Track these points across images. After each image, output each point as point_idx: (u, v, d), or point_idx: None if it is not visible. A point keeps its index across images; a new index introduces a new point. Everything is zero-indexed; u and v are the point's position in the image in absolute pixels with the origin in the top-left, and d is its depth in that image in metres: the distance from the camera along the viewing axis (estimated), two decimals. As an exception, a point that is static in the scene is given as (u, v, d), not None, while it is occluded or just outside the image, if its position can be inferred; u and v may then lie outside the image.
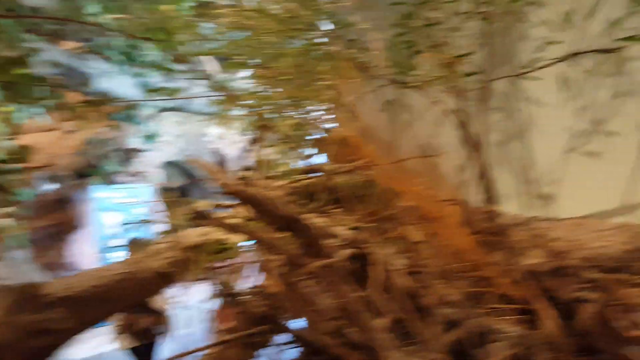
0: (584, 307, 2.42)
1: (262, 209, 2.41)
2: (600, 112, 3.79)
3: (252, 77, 4.21)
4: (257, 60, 4.01)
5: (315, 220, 3.27)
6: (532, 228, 3.78)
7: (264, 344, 2.93)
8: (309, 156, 4.64)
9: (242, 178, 3.64)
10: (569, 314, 2.54)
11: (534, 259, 3.34)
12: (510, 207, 3.98)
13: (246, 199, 2.41)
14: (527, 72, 3.76)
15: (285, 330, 2.65)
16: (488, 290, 2.97)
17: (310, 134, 4.57)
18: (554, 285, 2.86)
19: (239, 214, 3.25)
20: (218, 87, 4.43)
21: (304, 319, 2.69)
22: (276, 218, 2.41)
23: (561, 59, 3.52)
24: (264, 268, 2.67)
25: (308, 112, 4.26)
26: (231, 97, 4.50)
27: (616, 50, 3.26)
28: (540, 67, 3.65)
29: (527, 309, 2.65)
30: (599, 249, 3.48)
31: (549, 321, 2.48)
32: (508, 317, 2.70)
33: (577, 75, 3.66)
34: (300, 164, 4.63)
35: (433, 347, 2.46)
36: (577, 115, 3.93)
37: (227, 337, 3.00)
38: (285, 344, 2.80)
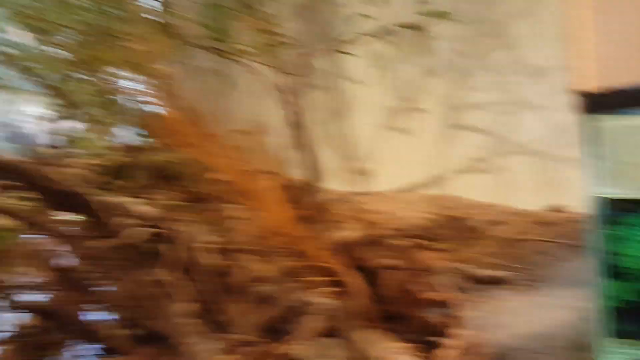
0: (386, 274, 2.46)
1: (35, 184, 2.02)
2: (411, 89, 3.99)
3: (45, 38, 3.62)
4: (50, 18, 3.45)
5: (122, 199, 2.91)
6: (351, 202, 3.85)
7: (56, 344, 2.52)
8: (122, 131, 4.19)
9: (33, 155, 3.12)
10: (377, 282, 2.57)
11: (349, 231, 3.37)
12: (333, 182, 4.00)
13: (14, 173, 1.99)
14: (343, 47, 3.78)
15: (73, 326, 2.29)
16: (304, 264, 2.91)
17: (121, 107, 4.12)
18: (366, 255, 2.90)
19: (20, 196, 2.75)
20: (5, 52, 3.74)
21: (94, 310, 2.35)
22: (54, 195, 2.04)
23: (373, 34, 3.58)
24: (40, 255, 2.27)
25: (115, 81, 3.81)
26: (22, 62, 3.84)
27: (422, 27, 3.40)
28: (353, 42, 3.69)
29: (340, 280, 2.64)
30: (408, 219, 3.67)
31: (358, 291, 2.48)
32: (322, 290, 2.66)
33: (389, 52, 3.78)
34: (112, 139, 4.15)
35: (242, 328, 2.32)
36: (391, 93, 4.10)
37: (10, 338, 2.53)
38: (78, 342, 2.43)
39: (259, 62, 3.75)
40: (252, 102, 4.17)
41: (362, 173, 4.14)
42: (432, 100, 3.84)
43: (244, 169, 3.38)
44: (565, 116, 2.11)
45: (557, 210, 3.20)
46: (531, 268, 2.71)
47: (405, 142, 4.05)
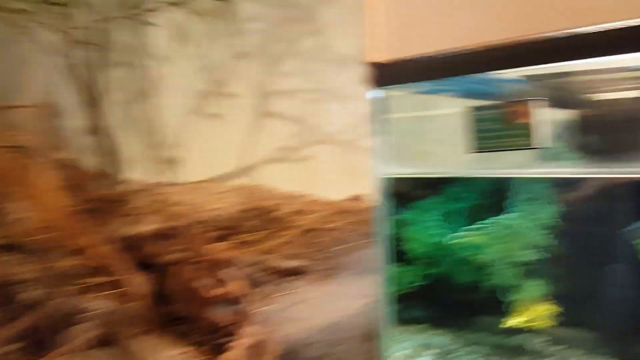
0: (176, 271, 2.18)
1: None
2: (221, 72, 3.74)
3: None
4: None
5: None
6: (154, 193, 3.50)
7: None
8: None
9: None
10: (165, 281, 2.27)
11: (145, 225, 3.01)
12: (135, 171, 3.59)
13: None
14: (144, 17, 3.37)
15: None
16: (80, 263, 2.48)
17: None
18: (158, 251, 2.57)
19: None
20: None
21: None
22: None
23: (174, 3, 3.25)
24: None
25: None
26: None
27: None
28: (156, 11, 3.32)
29: (119, 280, 2.28)
30: (215, 211, 3.42)
31: (140, 292, 2.16)
32: (98, 293, 2.27)
33: (196, 27, 3.49)
34: None
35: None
36: (200, 75, 3.81)
37: None
38: None
39: (40, 25, 3.18)
40: (32, 74, 3.54)
41: (169, 162, 3.79)
42: (242, 85, 3.63)
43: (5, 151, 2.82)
44: (368, 105, 2.05)
45: (358, 199, 3.23)
46: (330, 257, 2.66)
47: (215, 128, 3.80)
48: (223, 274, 2.21)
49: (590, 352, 1.74)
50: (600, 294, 1.74)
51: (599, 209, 1.77)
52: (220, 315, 2.07)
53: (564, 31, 1.19)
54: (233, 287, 2.18)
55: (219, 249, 2.42)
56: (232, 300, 2.14)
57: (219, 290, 2.12)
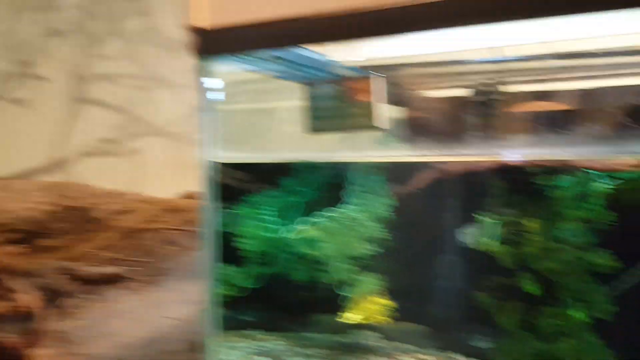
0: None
1: None
2: (27, 51, 3.20)
3: None
4: None
5: None
6: None
7: None
8: None
9: None
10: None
11: None
12: None
13: None
14: None
15: None
16: None
17: None
18: None
19: None
20: None
21: None
22: None
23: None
24: None
25: None
26: None
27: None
28: None
29: None
30: (16, 211, 2.89)
31: None
32: None
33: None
34: None
35: None
36: (1, 53, 3.23)
37: None
38: None
39: None
40: None
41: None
42: (54, 67, 3.14)
43: None
44: (201, 95, 1.85)
45: (190, 196, 2.97)
46: (154, 261, 2.37)
47: (20, 116, 3.24)
48: (12, 285, 1.81)
49: (422, 345, 1.73)
50: (433, 289, 1.75)
51: (431, 203, 1.78)
52: (7, 335, 1.67)
53: (397, 3, 1.12)
54: (24, 300, 1.79)
55: (11, 256, 1.99)
56: (22, 317, 1.74)
57: (5, 305, 1.72)
